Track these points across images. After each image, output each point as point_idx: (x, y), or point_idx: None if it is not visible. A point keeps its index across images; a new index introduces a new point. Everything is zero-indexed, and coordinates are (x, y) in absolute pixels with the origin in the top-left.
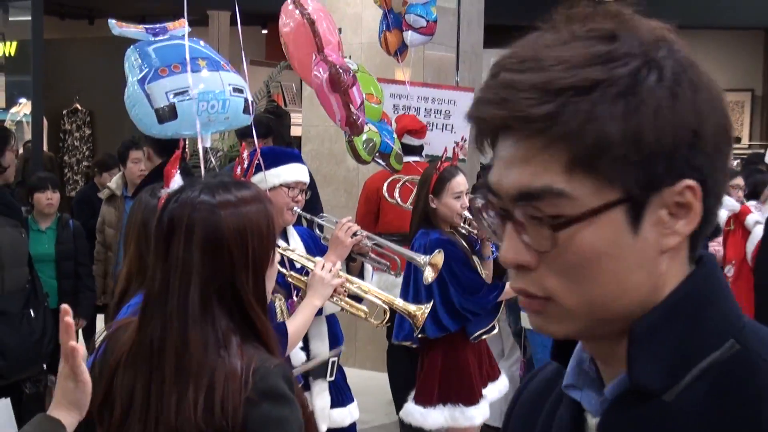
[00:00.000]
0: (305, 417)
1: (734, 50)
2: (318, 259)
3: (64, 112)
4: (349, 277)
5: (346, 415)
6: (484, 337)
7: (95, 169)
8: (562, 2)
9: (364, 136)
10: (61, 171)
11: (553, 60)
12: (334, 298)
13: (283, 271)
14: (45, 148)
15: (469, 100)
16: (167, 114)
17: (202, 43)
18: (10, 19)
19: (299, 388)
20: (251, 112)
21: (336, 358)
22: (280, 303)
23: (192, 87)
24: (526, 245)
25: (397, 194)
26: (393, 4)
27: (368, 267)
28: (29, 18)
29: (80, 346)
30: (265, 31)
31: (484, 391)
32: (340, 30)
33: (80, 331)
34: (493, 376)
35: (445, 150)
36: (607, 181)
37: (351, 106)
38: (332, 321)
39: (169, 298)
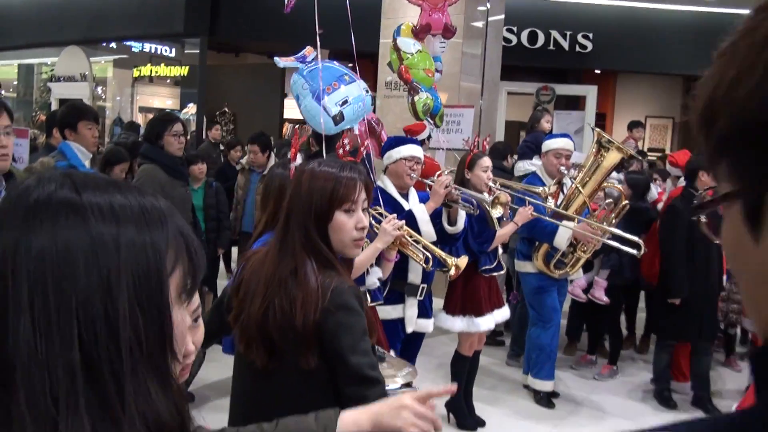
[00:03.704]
0: (369, 325)
1: (661, 89)
2: (391, 216)
3: (217, 113)
4: (409, 230)
5: (428, 323)
6: (493, 273)
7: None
8: (555, 51)
9: (423, 99)
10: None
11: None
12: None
13: (373, 223)
14: (203, 136)
15: (471, 114)
16: (339, 119)
17: (336, 63)
18: (185, 51)
19: (367, 305)
20: (373, 102)
21: (426, 285)
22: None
23: (349, 96)
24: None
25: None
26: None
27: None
28: (198, 51)
29: None
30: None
31: (493, 312)
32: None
33: (221, 255)
34: (499, 304)
35: (475, 142)
36: (732, 167)
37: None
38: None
39: (276, 237)
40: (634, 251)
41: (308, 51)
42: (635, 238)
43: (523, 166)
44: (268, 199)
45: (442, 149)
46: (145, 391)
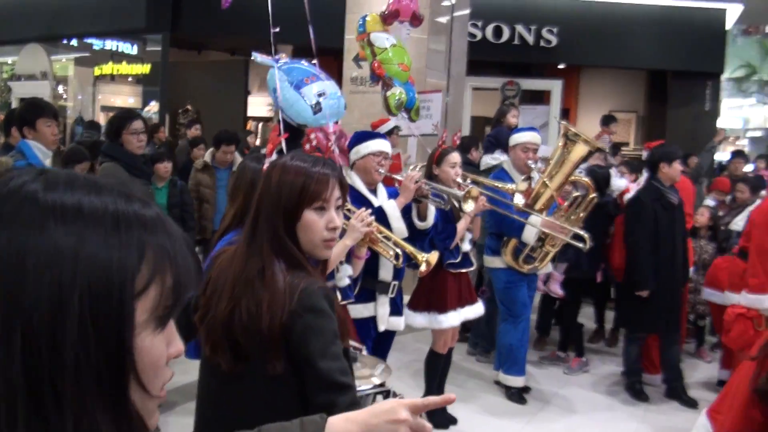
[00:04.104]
0: (342, 327)
1: (625, 83)
2: (360, 210)
3: (179, 111)
4: (379, 226)
5: (399, 321)
6: (461, 270)
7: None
8: (520, 46)
9: (396, 94)
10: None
11: None
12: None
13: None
14: (166, 133)
15: (439, 98)
16: (317, 108)
17: (304, 63)
18: (147, 48)
19: (339, 305)
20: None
21: (397, 282)
22: None
23: (326, 90)
24: None
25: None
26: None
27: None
28: (159, 48)
29: None
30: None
31: (460, 310)
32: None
33: None
34: (471, 301)
35: (443, 137)
36: None
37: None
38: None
39: (245, 234)
40: (579, 244)
41: (283, 57)
42: (581, 232)
43: (485, 161)
44: (238, 194)
45: (414, 135)
46: (91, 423)
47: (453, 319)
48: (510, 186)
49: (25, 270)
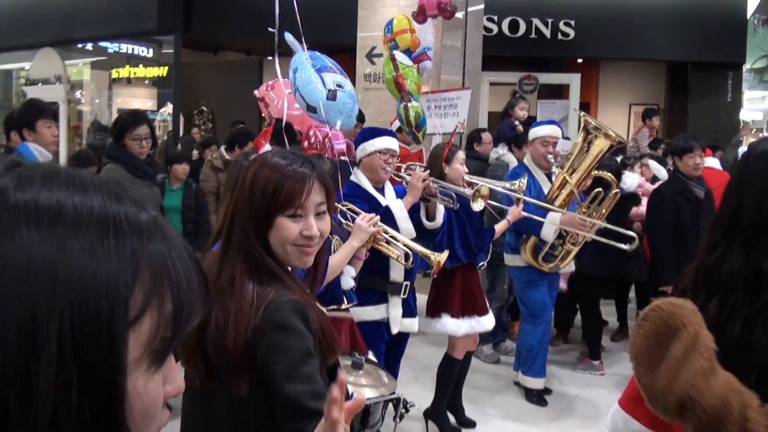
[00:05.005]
0: (327, 343)
1: (645, 76)
2: (363, 212)
3: (195, 112)
4: (385, 227)
5: (413, 323)
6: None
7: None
8: (537, 40)
9: (416, 107)
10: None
11: None
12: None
13: (344, 221)
14: (180, 135)
15: (467, 96)
16: (331, 96)
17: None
18: (162, 51)
19: (320, 318)
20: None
21: (409, 283)
22: (336, 242)
23: (345, 84)
24: None
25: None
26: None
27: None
28: (173, 50)
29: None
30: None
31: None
32: (380, 55)
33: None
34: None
35: (452, 133)
36: None
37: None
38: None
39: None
40: (625, 246)
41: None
42: (629, 232)
43: (491, 155)
44: (227, 193)
45: (438, 134)
46: None
47: (491, 317)
48: (514, 183)
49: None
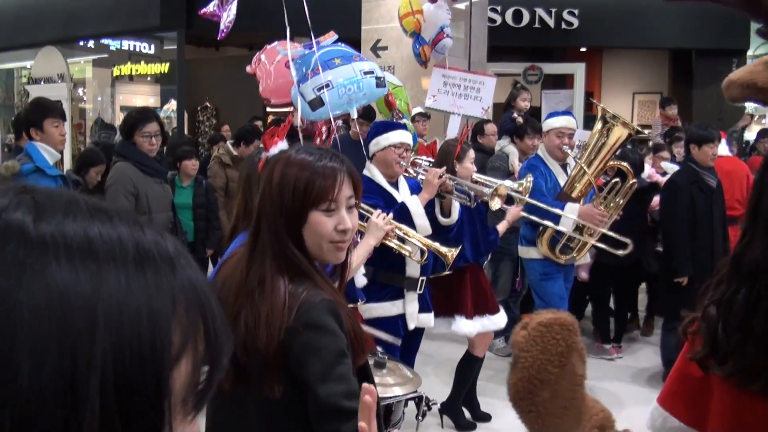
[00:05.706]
0: (358, 343)
1: (649, 64)
2: (376, 210)
3: (198, 108)
4: (398, 224)
5: (429, 318)
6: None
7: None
8: (540, 29)
9: (410, 125)
10: (196, 147)
11: None
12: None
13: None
14: (185, 132)
15: (492, 83)
16: (316, 103)
17: (342, 45)
18: (164, 47)
19: (350, 318)
20: (385, 85)
21: (425, 278)
22: None
23: (331, 81)
24: None
25: None
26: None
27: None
28: (176, 47)
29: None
30: None
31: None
32: (385, 48)
33: (209, 257)
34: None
35: (464, 132)
36: None
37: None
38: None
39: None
40: (619, 252)
41: (325, 37)
42: (623, 238)
43: (497, 147)
44: (238, 190)
45: (457, 114)
46: None
47: (503, 315)
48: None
49: (17, 333)
